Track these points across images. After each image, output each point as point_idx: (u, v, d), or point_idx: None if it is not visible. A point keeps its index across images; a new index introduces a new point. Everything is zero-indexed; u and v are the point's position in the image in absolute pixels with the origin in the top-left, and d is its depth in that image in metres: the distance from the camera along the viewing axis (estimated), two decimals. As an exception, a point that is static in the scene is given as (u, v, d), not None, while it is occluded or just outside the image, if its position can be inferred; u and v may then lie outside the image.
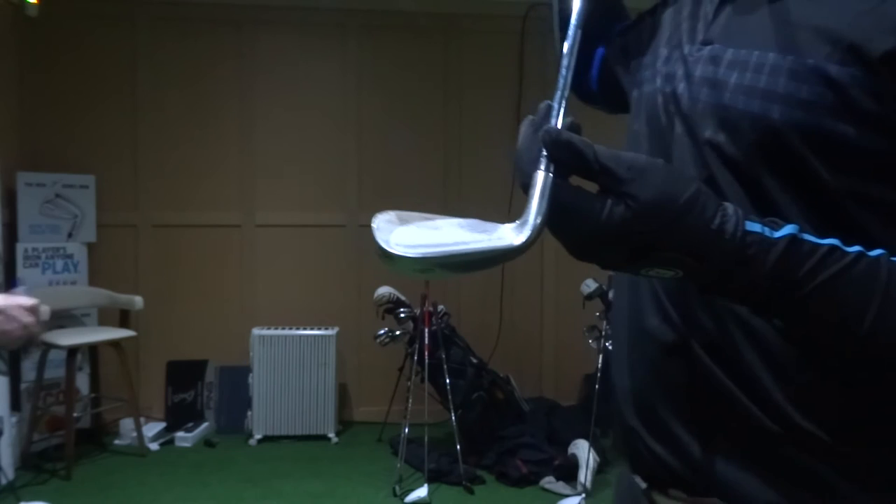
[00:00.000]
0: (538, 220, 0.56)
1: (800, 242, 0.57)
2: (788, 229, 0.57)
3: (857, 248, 0.58)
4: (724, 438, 0.68)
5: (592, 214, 0.55)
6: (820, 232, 0.59)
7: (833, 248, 0.57)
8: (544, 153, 0.58)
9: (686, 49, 0.72)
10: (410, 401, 3.60)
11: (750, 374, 0.66)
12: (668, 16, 0.79)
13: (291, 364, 4.06)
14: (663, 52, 0.76)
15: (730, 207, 0.57)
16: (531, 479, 3.45)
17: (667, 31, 0.78)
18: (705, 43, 0.70)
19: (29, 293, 1.40)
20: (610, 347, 3.57)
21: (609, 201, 0.55)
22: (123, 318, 3.99)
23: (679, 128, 0.70)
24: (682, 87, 0.70)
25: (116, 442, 4.00)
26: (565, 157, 0.57)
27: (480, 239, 0.57)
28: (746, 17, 0.67)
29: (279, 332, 4.09)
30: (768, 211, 0.62)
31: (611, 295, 3.61)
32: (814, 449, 0.64)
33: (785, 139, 0.62)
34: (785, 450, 0.65)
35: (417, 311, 3.73)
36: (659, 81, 0.74)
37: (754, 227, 0.57)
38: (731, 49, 0.67)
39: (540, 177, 0.57)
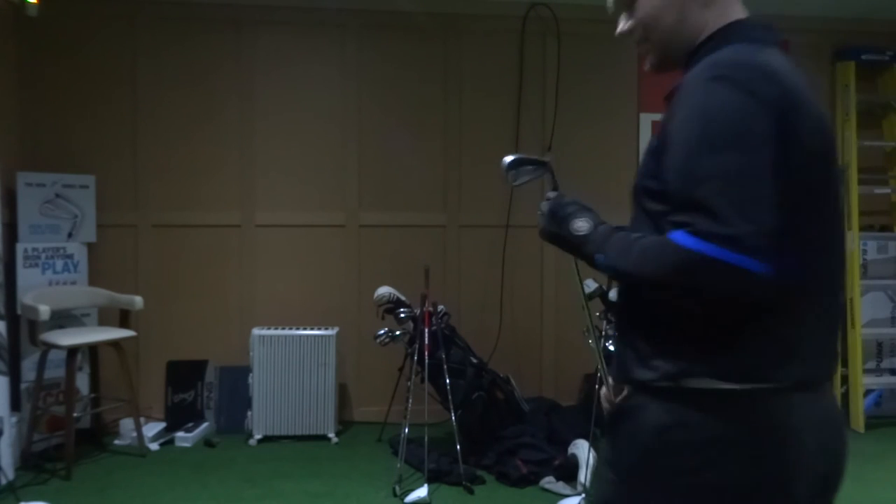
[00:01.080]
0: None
1: (617, 229, 1.18)
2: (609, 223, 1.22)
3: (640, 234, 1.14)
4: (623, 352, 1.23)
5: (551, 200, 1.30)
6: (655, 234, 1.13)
7: (629, 232, 1.16)
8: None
9: None
10: (410, 401, 3.60)
11: (627, 326, 1.23)
12: None
13: (291, 364, 4.06)
14: None
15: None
16: (531, 479, 3.45)
17: None
18: None
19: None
20: (610, 347, 3.59)
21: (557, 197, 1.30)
22: (123, 318, 3.99)
23: None
24: None
25: (116, 442, 4.00)
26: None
27: None
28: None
29: (279, 332, 4.09)
30: (643, 225, 1.16)
31: (611, 295, 3.61)
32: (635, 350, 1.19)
33: (636, 190, 1.21)
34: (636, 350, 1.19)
35: (417, 311, 3.73)
36: None
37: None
38: None
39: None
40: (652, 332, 1.15)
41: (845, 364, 4.56)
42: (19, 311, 3.68)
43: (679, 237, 1.01)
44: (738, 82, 1.04)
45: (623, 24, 1.25)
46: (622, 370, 1.21)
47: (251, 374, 4.06)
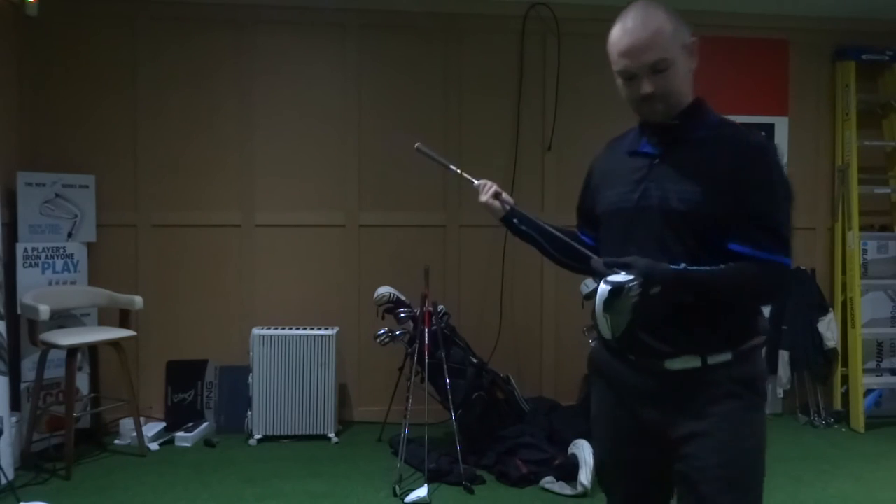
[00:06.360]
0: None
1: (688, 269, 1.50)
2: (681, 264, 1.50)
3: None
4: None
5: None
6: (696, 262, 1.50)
7: (697, 268, 1.49)
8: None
9: None
10: (410, 401, 3.61)
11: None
12: None
13: (291, 364, 4.06)
14: None
15: None
16: (531, 479, 3.45)
17: None
18: None
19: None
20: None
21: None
22: (123, 318, 3.99)
23: None
24: None
25: (116, 442, 4.00)
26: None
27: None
28: None
29: (279, 332, 4.09)
30: (674, 242, 1.56)
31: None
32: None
33: (681, 215, 1.58)
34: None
35: (417, 311, 3.73)
36: None
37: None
38: None
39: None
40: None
41: (845, 364, 4.56)
42: (19, 311, 3.68)
43: (788, 260, 1.53)
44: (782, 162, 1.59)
45: (648, 87, 1.54)
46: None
47: (251, 374, 4.06)
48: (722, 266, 1.50)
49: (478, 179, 2.00)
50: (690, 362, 1.55)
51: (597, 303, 1.40)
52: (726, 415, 1.55)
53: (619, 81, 1.61)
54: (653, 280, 1.42)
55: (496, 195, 1.93)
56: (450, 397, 3.56)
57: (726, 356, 1.55)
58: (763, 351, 1.67)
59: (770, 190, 1.52)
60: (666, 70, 1.53)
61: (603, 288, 1.39)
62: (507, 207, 1.92)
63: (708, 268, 1.48)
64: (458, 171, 2.00)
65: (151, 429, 4.04)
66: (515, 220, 1.91)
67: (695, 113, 1.61)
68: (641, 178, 1.61)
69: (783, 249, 1.52)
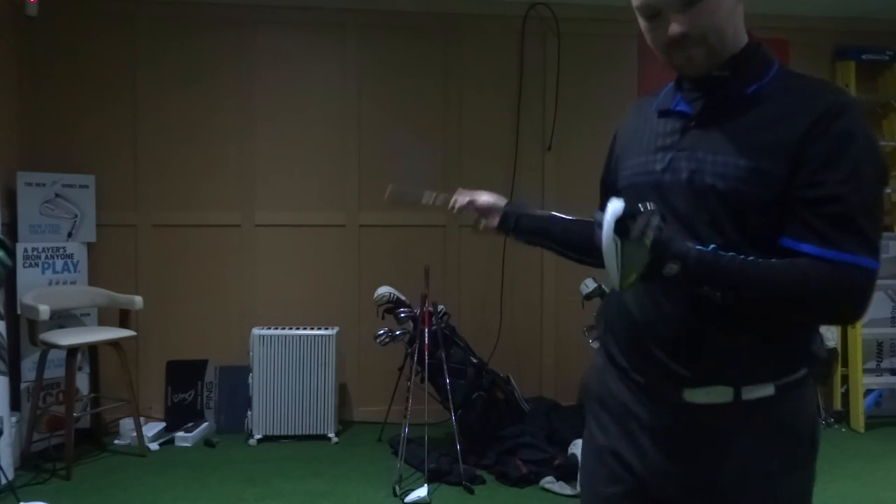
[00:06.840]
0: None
1: (716, 251, 1.13)
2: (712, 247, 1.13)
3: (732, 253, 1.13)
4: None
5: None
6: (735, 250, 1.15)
7: (733, 255, 1.12)
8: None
9: None
10: (410, 401, 3.60)
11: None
12: None
13: (291, 364, 4.06)
14: None
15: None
16: (531, 479, 3.45)
17: None
18: None
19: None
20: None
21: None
22: (123, 318, 3.99)
23: None
24: None
25: (116, 442, 4.00)
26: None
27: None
28: None
29: (279, 332, 4.09)
30: (712, 231, 1.20)
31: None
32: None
33: (719, 192, 1.21)
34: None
35: (417, 311, 3.74)
36: None
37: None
38: None
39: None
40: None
41: (845, 364, 4.56)
42: (19, 311, 3.68)
43: (869, 262, 1.12)
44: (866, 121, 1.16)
45: (679, 26, 1.15)
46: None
47: (251, 374, 4.06)
48: (772, 260, 1.12)
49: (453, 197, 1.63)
50: (718, 395, 1.18)
51: (605, 225, 1.04)
52: (763, 475, 1.18)
53: (642, 23, 1.21)
54: (668, 254, 1.07)
55: (469, 207, 1.61)
56: (450, 397, 3.56)
57: (767, 390, 1.18)
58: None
59: (850, 165, 1.09)
60: (702, 1, 1.13)
61: (616, 204, 1.04)
62: (494, 224, 1.63)
63: (750, 258, 1.11)
64: (431, 201, 1.58)
65: (151, 429, 4.04)
66: (512, 235, 1.62)
67: (749, 60, 1.20)
68: (669, 144, 1.24)
69: (864, 248, 1.10)
